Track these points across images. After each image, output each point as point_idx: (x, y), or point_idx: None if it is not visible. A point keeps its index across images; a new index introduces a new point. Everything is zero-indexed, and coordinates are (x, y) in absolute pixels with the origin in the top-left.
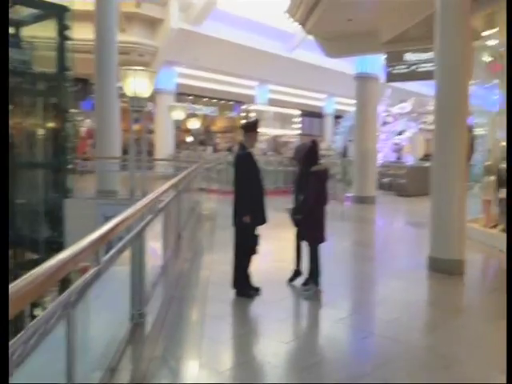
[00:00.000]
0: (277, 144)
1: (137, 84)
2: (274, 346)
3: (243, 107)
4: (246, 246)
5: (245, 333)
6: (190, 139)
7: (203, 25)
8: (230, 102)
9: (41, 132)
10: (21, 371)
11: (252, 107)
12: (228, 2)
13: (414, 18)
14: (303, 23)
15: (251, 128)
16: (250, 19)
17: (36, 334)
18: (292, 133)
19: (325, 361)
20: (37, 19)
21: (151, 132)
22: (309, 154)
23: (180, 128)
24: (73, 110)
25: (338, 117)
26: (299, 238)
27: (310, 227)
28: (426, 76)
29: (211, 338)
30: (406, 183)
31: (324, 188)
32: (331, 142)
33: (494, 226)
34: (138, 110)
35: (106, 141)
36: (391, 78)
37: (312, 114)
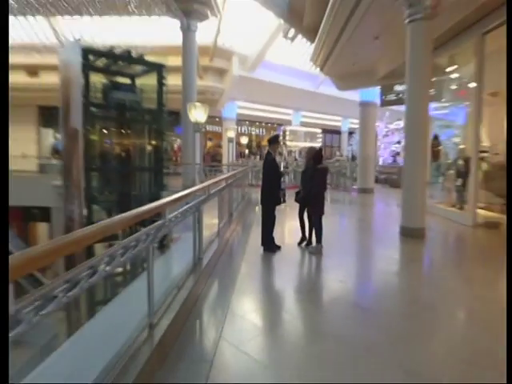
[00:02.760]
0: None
1: (196, 113)
2: (286, 274)
3: (282, 128)
4: (269, 218)
5: (268, 270)
6: (246, 151)
7: (255, 71)
8: (274, 125)
9: (147, 148)
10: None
11: (288, 127)
12: (273, 55)
13: (400, 60)
14: (322, 67)
15: (274, 141)
16: (288, 66)
17: (122, 251)
18: (317, 145)
19: (316, 287)
20: (145, 72)
21: (220, 147)
22: (316, 156)
23: (239, 144)
24: (169, 133)
25: (351, 133)
26: (302, 213)
27: (315, 205)
28: None
29: (246, 274)
30: (396, 178)
31: (325, 179)
32: (345, 151)
33: (453, 206)
34: (197, 130)
35: (189, 153)
36: (385, 103)
37: (332, 131)
